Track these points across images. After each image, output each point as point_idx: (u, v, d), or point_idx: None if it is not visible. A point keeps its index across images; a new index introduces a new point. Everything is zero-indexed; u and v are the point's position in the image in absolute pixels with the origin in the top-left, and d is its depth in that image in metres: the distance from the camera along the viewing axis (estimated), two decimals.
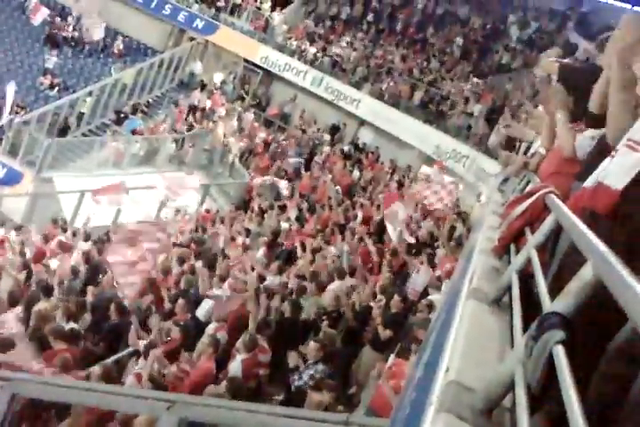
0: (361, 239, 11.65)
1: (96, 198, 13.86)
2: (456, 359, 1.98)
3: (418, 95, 21.80)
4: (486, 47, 24.75)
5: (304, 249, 11.20)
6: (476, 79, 22.50)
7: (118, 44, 25.41)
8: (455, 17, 26.41)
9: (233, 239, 12.61)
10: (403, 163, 20.72)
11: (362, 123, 23.06)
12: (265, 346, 7.22)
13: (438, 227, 12.45)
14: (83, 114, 21.86)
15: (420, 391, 2.24)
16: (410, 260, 10.10)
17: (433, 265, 9.80)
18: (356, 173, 19.45)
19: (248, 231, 13.23)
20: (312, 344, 6.61)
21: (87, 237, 12.44)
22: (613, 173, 2.18)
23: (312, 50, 24.14)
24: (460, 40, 24.99)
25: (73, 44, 25.08)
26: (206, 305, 8.93)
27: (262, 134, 22.60)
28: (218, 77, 25.47)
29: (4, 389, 5.10)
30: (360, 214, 13.94)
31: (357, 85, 22.84)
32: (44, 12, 24.56)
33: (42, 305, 8.50)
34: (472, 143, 19.28)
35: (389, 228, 11.36)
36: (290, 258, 11.40)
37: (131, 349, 7.86)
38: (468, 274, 3.14)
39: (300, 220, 14.07)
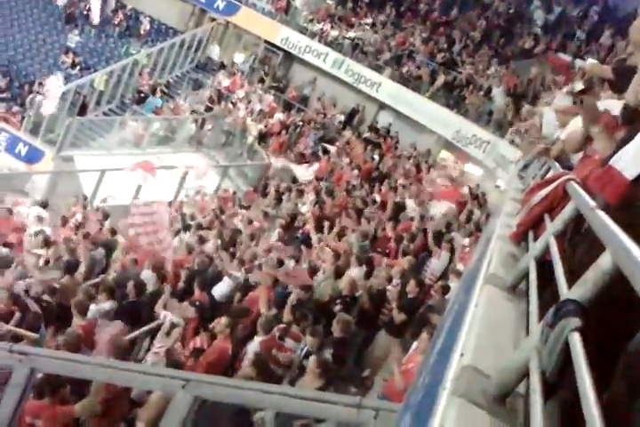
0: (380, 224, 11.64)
1: (134, 172, 13.85)
2: (471, 345, 1.98)
3: (439, 79, 21.59)
4: (509, 32, 24.43)
5: (318, 232, 11.25)
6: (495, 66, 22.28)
7: (145, 25, 25.43)
8: (478, 0, 26.08)
9: (250, 222, 12.64)
10: (422, 147, 20.60)
11: (382, 106, 22.93)
12: (298, 333, 7.17)
13: (459, 212, 12.40)
14: (102, 92, 21.95)
15: (434, 376, 2.25)
16: (432, 246, 10.08)
17: (452, 250, 9.81)
18: (376, 158, 19.37)
19: (266, 214, 13.25)
20: (309, 338, 6.63)
21: (106, 216, 12.53)
22: (626, 159, 2.15)
23: (333, 32, 23.96)
24: (482, 24, 24.68)
25: (100, 24, 25.10)
26: (224, 285, 9.00)
27: (280, 116, 22.54)
28: (238, 58, 25.42)
29: (22, 363, 5.19)
30: (378, 199, 13.92)
31: (378, 69, 22.67)
32: None
33: (65, 280, 8.64)
34: (493, 129, 19.09)
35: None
36: (307, 242, 11.40)
37: (146, 327, 7.93)
38: (486, 259, 3.13)
39: (318, 203, 14.05)
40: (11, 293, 7.82)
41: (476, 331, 2.12)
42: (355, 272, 8.86)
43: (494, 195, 14.42)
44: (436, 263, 9.53)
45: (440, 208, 11.93)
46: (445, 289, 7.88)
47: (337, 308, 7.79)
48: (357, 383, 7.30)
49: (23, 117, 20.06)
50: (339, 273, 8.77)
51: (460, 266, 8.76)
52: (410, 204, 12.72)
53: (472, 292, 2.73)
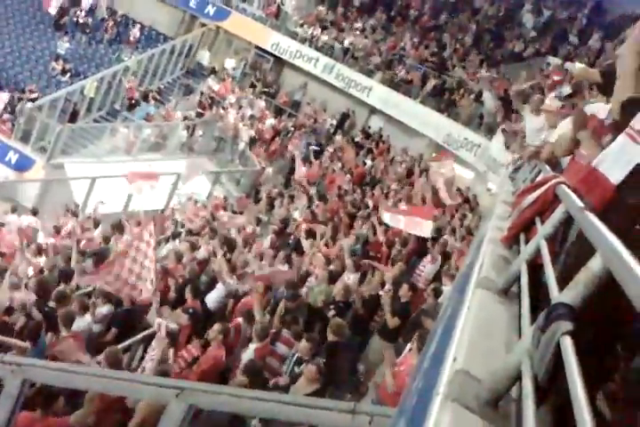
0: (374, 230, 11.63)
1: (131, 183, 13.78)
2: (463, 349, 1.98)
3: (429, 83, 21.67)
4: (499, 35, 24.55)
5: (309, 238, 11.23)
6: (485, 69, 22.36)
7: (135, 31, 25.45)
8: (468, 4, 26.21)
9: (243, 228, 12.62)
10: (414, 151, 20.65)
11: (373, 111, 22.99)
12: (289, 337, 7.18)
13: (452, 217, 12.41)
14: (93, 99, 21.92)
15: (427, 381, 2.25)
16: (428, 249, 10.09)
17: (445, 254, 9.83)
18: (368, 162, 19.40)
19: (258, 220, 13.24)
20: (304, 344, 6.59)
21: (96, 225, 12.49)
22: (609, 161, 2.16)
23: (324, 37, 24.03)
24: (472, 28, 24.79)
25: (87, 30, 25.10)
26: (217, 292, 8.97)
27: (272, 121, 22.56)
28: (229, 64, 25.45)
29: (14, 374, 5.15)
30: (371, 204, 13.92)
31: (369, 73, 22.74)
32: (58, 0, 24.73)
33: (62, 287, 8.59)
34: (484, 132, 19.16)
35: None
36: (299, 247, 11.39)
37: (140, 335, 7.90)
38: (478, 263, 3.13)
39: (310, 208, 14.04)
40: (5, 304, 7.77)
41: (469, 335, 2.12)
42: (349, 278, 8.86)
43: (486, 198, 14.45)
44: (429, 267, 9.56)
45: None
46: (438, 293, 7.90)
47: (330, 313, 7.79)
48: (352, 389, 7.29)
49: (13, 125, 20.00)
50: (332, 279, 8.77)
51: (452, 269, 8.78)
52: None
53: (464, 295, 2.73)
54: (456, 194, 12.50)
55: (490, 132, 18.76)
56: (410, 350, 6.10)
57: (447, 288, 7.82)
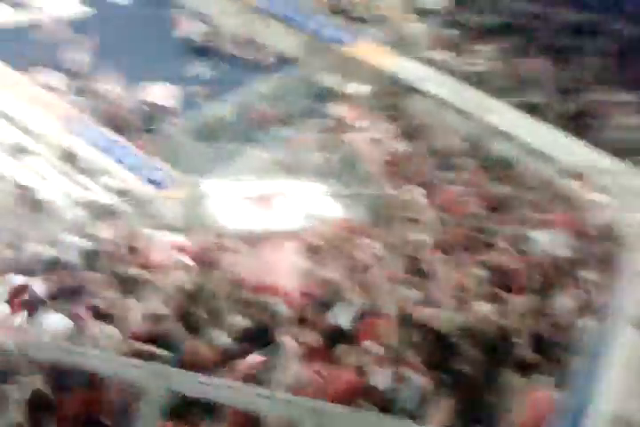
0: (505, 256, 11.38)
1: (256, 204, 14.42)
2: (614, 390, 1.96)
3: (563, 107, 21.04)
4: (636, 56, 23.50)
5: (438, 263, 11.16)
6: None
7: (265, 56, 26.52)
8: (604, 25, 25.29)
9: (370, 250, 12.70)
10: (545, 176, 20.02)
11: (503, 135, 22.50)
12: (416, 364, 7.15)
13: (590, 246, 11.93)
14: (228, 122, 22.97)
15: (573, 423, 2.22)
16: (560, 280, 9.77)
17: (584, 288, 9.44)
18: (498, 188, 18.99)
19: (385, 244, 13.28)
20: (430, 378, 6.49)
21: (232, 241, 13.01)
22: None
23: (452, 61, 23.90)
24: (609, 49, 23.88)
25: (222, 55, 26.42)
26: (344, 312, 9.09)
27: (399, 146, 22.57)
28: (355, 88, 25.79)
29: (158, 382, 5.43)
30: (503, 230, 13.61)
31: (497, 96, 22.35)
32: (192, 26, 26.34)
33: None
34: (622, 158, 18.35)
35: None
36: (427, 272, 11.31)
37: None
38: (628, 299, 3.05)
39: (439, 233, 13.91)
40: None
41: (620, 376, 2.10)
42: (480, 307, 8.71)
43: (627, 227, 13.77)
44: (567, 300, 9.19)
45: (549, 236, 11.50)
46: (578, 328, 7.55)
47: (461, 343, 7.65)
48: (485, 424, 7.10)
49: (154, 144, 21.28)
50: (462, 306, 8.66)
51: (594, 304, 8.40)
52: (535, 235, 12.38)
53: (613, 333, 2.68)
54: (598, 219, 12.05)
55: (628, 157, 17.95)
56: (547, 386, 5.92)
57: (588, 323, 7.49)
